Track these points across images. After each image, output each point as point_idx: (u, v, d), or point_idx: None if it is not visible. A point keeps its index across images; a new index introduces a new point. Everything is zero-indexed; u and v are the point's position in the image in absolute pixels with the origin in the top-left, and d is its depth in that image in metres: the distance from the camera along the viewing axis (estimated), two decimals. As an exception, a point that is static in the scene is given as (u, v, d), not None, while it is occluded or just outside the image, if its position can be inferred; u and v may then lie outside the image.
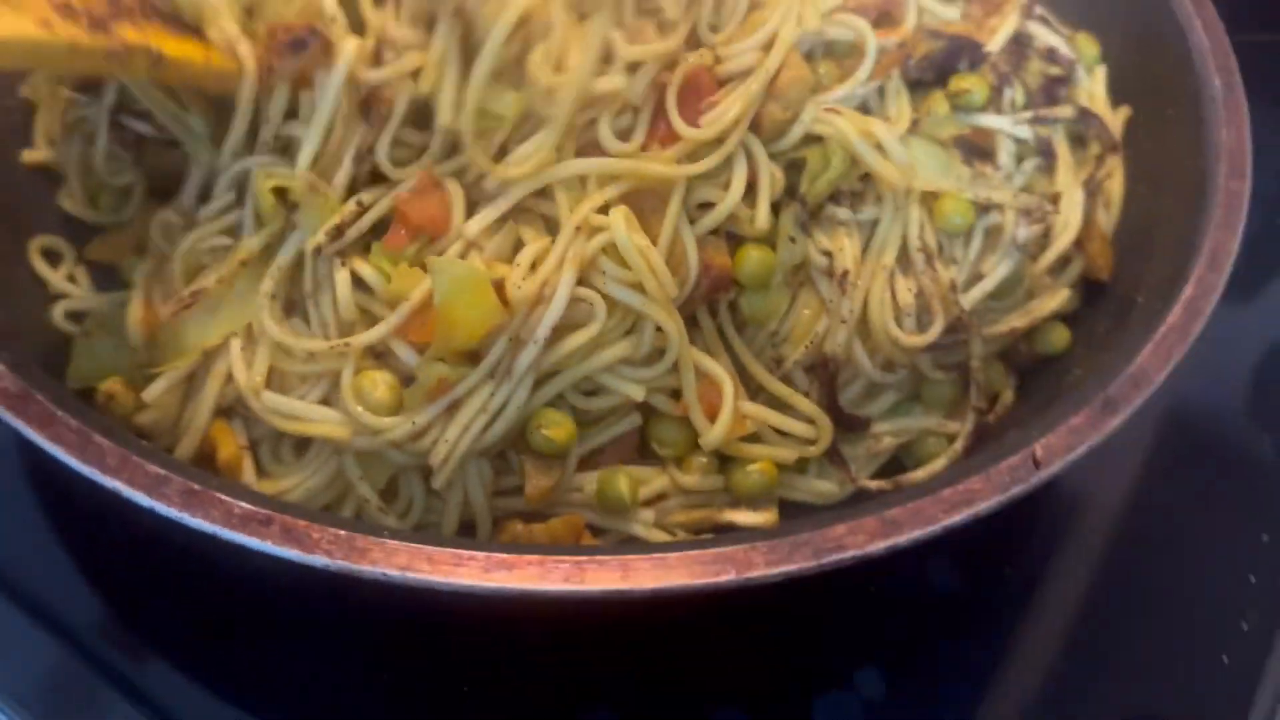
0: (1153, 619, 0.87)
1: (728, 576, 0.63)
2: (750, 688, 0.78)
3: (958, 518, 0.67)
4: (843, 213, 0.87)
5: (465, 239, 0.79)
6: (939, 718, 0.79)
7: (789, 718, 0.77)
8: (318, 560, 0.64)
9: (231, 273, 0.81)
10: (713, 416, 0.81)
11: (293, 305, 0.83)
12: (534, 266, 0.77)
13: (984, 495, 0.68)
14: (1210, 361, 0.81)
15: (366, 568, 0.64)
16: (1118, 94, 1.00)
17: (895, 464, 0.90)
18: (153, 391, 0.81)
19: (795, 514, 0.86)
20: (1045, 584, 0.87)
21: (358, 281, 0.80)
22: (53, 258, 0.89)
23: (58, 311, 0.87)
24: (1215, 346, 0.79)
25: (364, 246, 0.81)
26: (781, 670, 0.79)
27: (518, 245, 0.80)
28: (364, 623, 0.82)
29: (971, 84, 0.91)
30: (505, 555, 0.64)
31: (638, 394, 0.80)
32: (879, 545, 0.65)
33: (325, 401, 0.81)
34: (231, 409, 0.82)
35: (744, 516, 0.84)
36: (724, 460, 0.85)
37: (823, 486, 0.87)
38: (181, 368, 0.81)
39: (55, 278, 0.89)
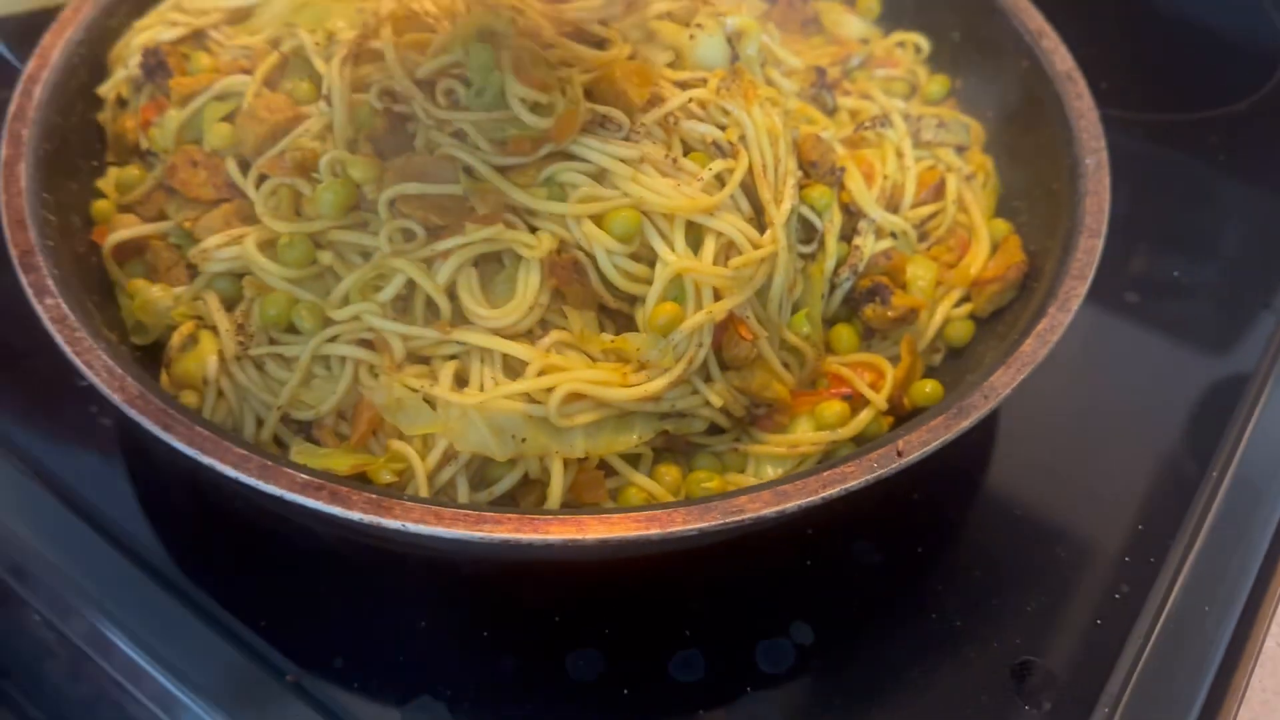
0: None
1: (655, 529, 0.87)
2: (705, 634, 1.01)
3: (833, 491, 0.89)
4: None
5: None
6: (856, 658, 1.02)
7: (737, 657, 1.00)
8: (354, 515, 0.86)
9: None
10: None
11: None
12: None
13: (854, 475, 0.90)
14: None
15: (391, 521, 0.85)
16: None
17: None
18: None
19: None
20: (948, 552, 1.10)
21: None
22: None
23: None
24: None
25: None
26: (731, 620, 1.03)
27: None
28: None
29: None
30: (491, 513, 0.86)
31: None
32: (771, 509, 0.88)
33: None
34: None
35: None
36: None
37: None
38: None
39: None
